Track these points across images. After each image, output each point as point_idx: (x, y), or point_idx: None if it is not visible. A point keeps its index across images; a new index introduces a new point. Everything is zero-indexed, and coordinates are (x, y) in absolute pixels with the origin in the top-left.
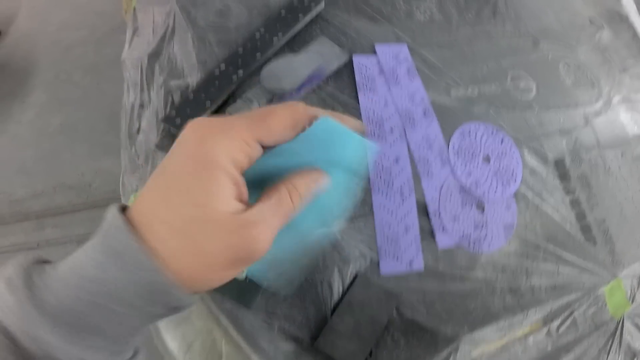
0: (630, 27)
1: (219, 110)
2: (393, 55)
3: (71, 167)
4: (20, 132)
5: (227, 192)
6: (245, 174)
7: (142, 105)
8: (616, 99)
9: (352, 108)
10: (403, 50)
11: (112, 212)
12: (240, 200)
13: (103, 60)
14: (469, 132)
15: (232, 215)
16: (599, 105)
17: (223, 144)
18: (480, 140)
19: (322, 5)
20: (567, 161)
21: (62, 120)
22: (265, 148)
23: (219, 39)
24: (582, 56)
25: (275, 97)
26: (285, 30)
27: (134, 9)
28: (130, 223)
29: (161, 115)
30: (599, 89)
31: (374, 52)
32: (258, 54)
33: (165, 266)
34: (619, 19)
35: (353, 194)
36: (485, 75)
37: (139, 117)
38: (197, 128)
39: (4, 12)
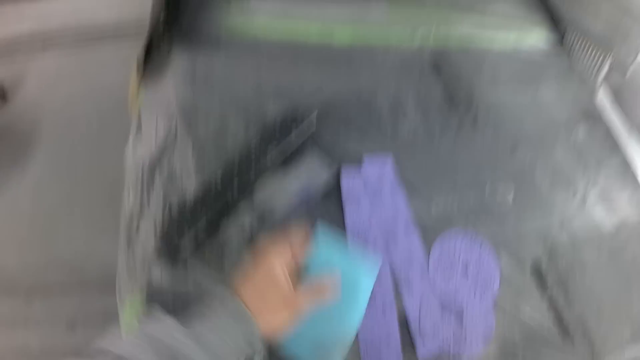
0: (604, 124)
1: (214, 225)
2: (378, 169)
3: (66, 243)
4: (17, 200)
5: (284, 281)
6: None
7: (141, 212)
8: (591, 196)
9: (338, 223)
10: (388, 164)
11: (225, 290)
12: (287, 280)
13: (107, 137)
14: (448, 242)
15: (289, 295)
16: (574, 205)
17: (280, 261)
18: (460, 249)
19: (313, 123)
20: (544, 265)
21: (61, 194)
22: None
23: (217, 150)
24: (559, 157)
25: (267, 214)
26: (278, 144)
27: (139, 110)
28: (237, 296)
29: (159, 224)
30: (575, 189)
31: (361, 165)
32: (252, 170)
33: (257, 320)
34: (593, 118)
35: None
36: (465, 185)
37: (138, 222)
38: (269, 255)
39: (12, 77)
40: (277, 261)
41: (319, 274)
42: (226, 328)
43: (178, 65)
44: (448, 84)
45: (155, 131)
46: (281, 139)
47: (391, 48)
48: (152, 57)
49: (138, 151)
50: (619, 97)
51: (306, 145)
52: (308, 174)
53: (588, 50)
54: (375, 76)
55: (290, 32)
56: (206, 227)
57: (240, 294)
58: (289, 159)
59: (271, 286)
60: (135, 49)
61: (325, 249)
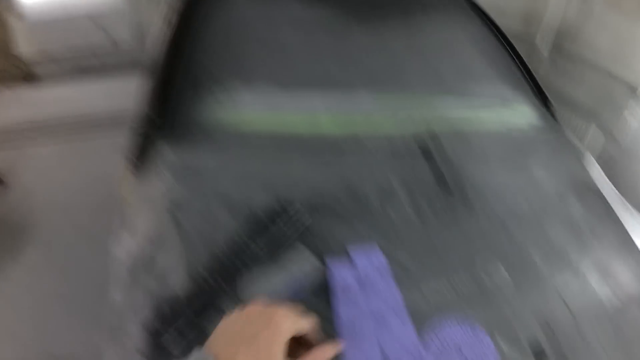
0: (599, 194)
1: (201, 320)
2: (367, 258)
3: (60, 336)
4: (11, 291)
5: (282, 352)
6: None
7: (127, 309)
8: (591, 271)
9: (328, 317)
10: (376, 253)
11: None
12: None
13: (99, 228)
14: (441, 328)
15: None
16: (574, 283)
17: (284, 325)
18: (454, 335)
19: (302, 216)
20: (544, 344)
21: (55, 285)
22: None
23: (205, 247)
24: (554, 235)
25: None
26: (265, 238)
27: (128, 204)
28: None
29: (146, 323)
30: (573, 266)
31: (349, 257)
32: (239, 264)
33: None
34: (587, 189)
35: None
36: (457, 266)
37: (125, 321)
38: (260, 306)
39: (13, 167)
40: (286, 328)
41: None
42: None
43: (166, 159)
44: (438, 168)
45: (143, 226)
46: (268, 234)
47: (379, 135)
48: (141, 150)
49: (125, 247)
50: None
51: (294, 239)
52: (296, 269)
53: (575, 122)
54: (364, 164)
55: (277, 123)
56: (193, 324)
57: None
58: (276, 253)
59: (273, 355)
60: (128, 141)
61: None
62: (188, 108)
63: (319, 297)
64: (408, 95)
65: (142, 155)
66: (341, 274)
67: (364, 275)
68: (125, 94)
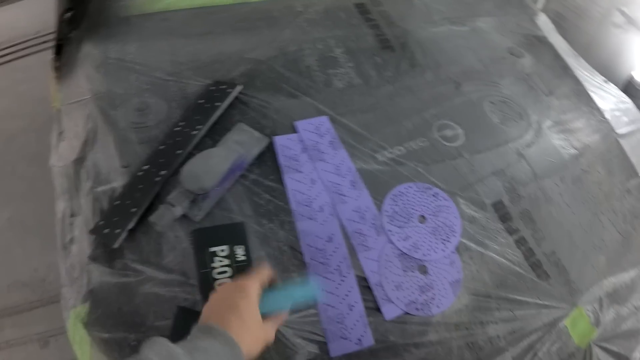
0: (550, 48)
1: (145, 215)
2: (314, 129)
3: (24, 263)
4: None
5: (258, 313)
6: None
7: (72, 214)
8: (546, 124)
9: (278, 192)
10: (324, 123)
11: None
12: None
13: (46, 149)
14: (400, 194)
15: (261, 322)
16: (529, 135)
17: (253, 289)
18: (413, 201)
19: (238, 87)
20: (506, 201)
21: (10, 215)
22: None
23: (140, 138)
24: (506, 90)
25: (198, 197)
26: (204, 120)
27: (59, 111)
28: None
29: (91, 224)
30: (528, 119)
31: (295, 129)
32: (179, 151)
33: (240, 345)
34: (538, 43)
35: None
36: (411, 132)
37: (71, 226)
38: (249, 291)
39: None
40: (255, 294)
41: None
42: (220, 354)
43: (89, 56)
44: (379, 26)
45: (76, 130)
46: (206, 114)
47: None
48: (64, 54)
49: (62, 154)
50: (561, 23)
51: (235, 117)
52: (239, 146)
53: None
54: (299, 29)
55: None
56: (136, 216)
57: (225, 323)
58: (218, 133)
59: (252, 316)
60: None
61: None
62: (108, 2)
63: (265, 170)
64: None
65: (64, 58)
66: (288, 147)
67: (313, 146)
68: (47, 12)
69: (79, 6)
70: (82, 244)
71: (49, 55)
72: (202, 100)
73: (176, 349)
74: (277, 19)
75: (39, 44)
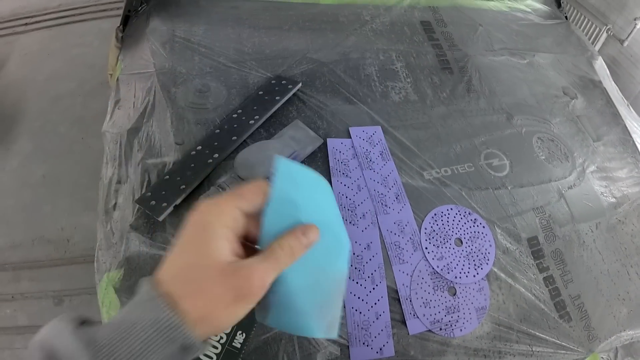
0: (603, 93)
1: (193, 193)
2: (367, 137)
3: (51, 220)
4: (2, 179)
5: (223, 246)
6: (263, 237)
7: (119, 181)
8: (590, 169)
9: None
10: (377, 133)
11: (144, 279)
12: (236, 255)
13: (90, 114)
14: (441, 215)
15: (229, 263)
16: (572, 177)
17: (215, 213)
18: (453, 223)
19: (299, 85)
20: (541, 238)
21: (46, 172)
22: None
23: (197, 119)
24: (556, 128)
25: (248, 181)
26: (262, 111)
27: (117, 79)
28: (155, 280)
29: (137, 194)
30: (573, 161)
31: (349, 134)
32: (234, 137)
33: (178, 306)
34: (592, 86)
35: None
36: (459, 155)
37: (116, 192)
38: (199, 210)
39: None
40: (217, 224)
41: (283, 221)
42: (133, 332)
43: (156, 32)
44: (440, 47)
45: (134, 102)
46: (265, 106)
47: (380, 7)
48: (130, 26)
49: (116, 126)
50: (616, 68)
51: (292, 114)
52: (293, 142)
53: (585, 22)
54: (364, 37)
55: None
56: (184, 192)
57: (163, 279)
58: (274, 128)
59: (207, 262)
60: (115, 25)
61: (288, 186)
62: None
63: (315, 169)
64: None
65: (130, 32)
66: (340, 151)
67: (363, 154)
68: None
69: None
70: (125, 212)
71: (106, 23)
72: (262, 92)
73: (71, 338)
74: (343, 25)
75: (97, 11)
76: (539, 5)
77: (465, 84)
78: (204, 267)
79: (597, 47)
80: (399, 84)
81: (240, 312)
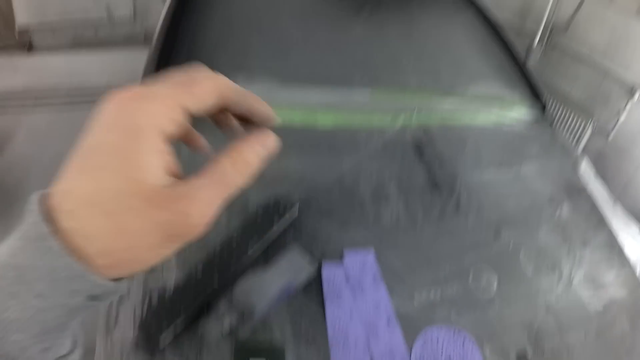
0: (589, 198)
1: (193, 318)
2: (360, 262)
3: None
4: None
5: (155, 163)
6: None
7: (120, 299)
8: (577, 277)
9: (319, 317)
10: (370, 257)
11: (31, 197)
12: (171, 173)
13: None
14: (431, 338)
15: (161, 188)
16: (560, 289)
17: (148, 111)
18: (442, 345)
19: (295, 213)
20: (530, 353)
21: None
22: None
23: (197, 243)
24: (543, 239)
25: (246, 312)
26: (260, 236)
27: None
28: (49, 206)
29: (138, 313)
30: (560, 271)
31: (342, 257)
32: (233, 264)
33: (83, 249)
34: (577, 192)
35: None
36: (448, 276)
37: (117, 310)
38: (118, 97)
39: (3, 132)
40: (150, 131)
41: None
42: (17, 281)
43: None
44: (431, 166)
45: None
46: (263, 232)
47: (374, 130)
48: None
49: None
50: (602, 162)
51: (288, 238)
52: (290, 271)
53: (570, 118)
54: (358, 161)
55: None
56: (185, 320)
57: (62, 207)
58: (270, 253)
59: (130, 187)
60: None
61: None
62: None
63: (309, 296)
64: (404, 93)
65: None
66: (333, 278)
67: (356, 280)
68: (119, 68)
69: None
70: (126, 330)
71: None
72: (261, 216)
73: None
74: (339, 149)
75: None
76: (524, 115)
77: (454, 203)
78: (126, 195)
79: (583, 142)
80: (391, 207)
81: (168, 252)
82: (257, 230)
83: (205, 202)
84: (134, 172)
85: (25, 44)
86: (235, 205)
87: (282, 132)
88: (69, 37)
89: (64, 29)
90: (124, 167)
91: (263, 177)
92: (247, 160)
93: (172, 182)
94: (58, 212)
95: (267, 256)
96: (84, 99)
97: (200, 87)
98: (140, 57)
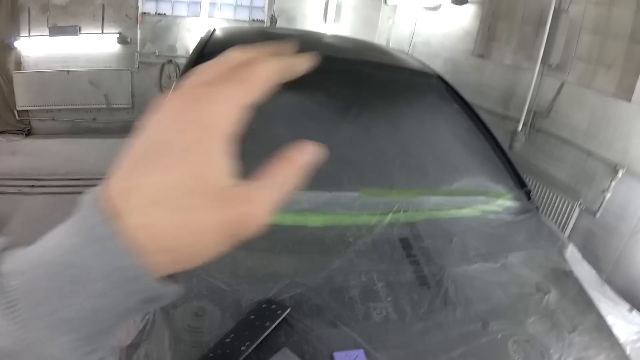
0: (576, 282)
1: None
2: None
3: None
4: None
5: (222, 164)
6: None
7: None
8: None
9: None
10: (359, 357)
11: (86, 196)
12: (232, 174)
13: None
14: None
15: (228, 188)
16: None
17: (214, 113)
18: None
19: (288, 310)
20: None
21: None
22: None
23: (193, 341)
24: (531, 328)
25: None
26: (253, 337)
27: None
28: (109, 203)
29: None
30: (549, 358)
31: None
32: None
33: (145, 246)
34: (565, 277)
35: None
36: None
37: None
38: (182, 96)
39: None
40: (220, 131)
41: None
42: (74, 281)
43: None
44: (418, 262)
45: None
46: (256, 335)
47: (362, 228)
48: None
49: (115, 340)
50: (591, 240)
51: (279, 339)
52: None
53: (557, 199)
54: (348, 262)
55: None
56: None
57: (128, 205)
58: (263, 351)
59: (203, 186)
60: None
61: None
62: None
63: None
64: (390, 190)
65: None
66: None
67: None
68: (115, 156)
69: None
70: None
71: None
72: (253, 317)
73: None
74: (328, 247)
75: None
76: (509, 203)
77: (442, 297)
78: (196, 194)
79: (571, 222)
80: (379, 304)
81: (224, 249)
82: (250, 330)
83: (264, 204)
84: (204, 171)
85: (24, 128)
86: (229, 306)
87: (276, 230)
88: (68, 124)
89: (62, 116)
90: (195, 166)
91: (255, 276)
92: (297, 165)
93: (235, 183)
94: (122, 210)
95: (260, 355)
96: (81, 183)
97: (256, 78)
98: None
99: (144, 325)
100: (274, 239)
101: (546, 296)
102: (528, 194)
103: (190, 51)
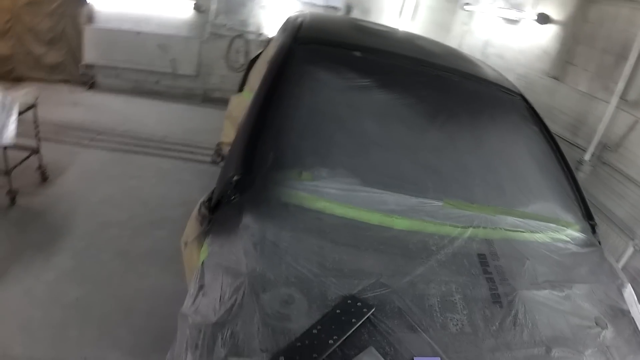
0: (631, 322)
1: None
2: None
3: (75, 346)
4: (35, 289)
5: None
6: None
7: None
8: None
9: None
10: None
11: None
12: None
13: (135, 251)
14: None
15: None
16: None
17: None
18: None
19: (373, 309)
20: None
21: (80, 295)
22: None
23: (281, 328)
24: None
25: None
26: (339, 332)
27: (203, 264)
28: None
29: None
30: None
31: None
32: (315, 355)
33: None
34: (621, 315)
35: None
36: None
37: None
38: None
39: (58, 162)
40: None
41: None
42: None
43: (249, 230)
44: (493, 280)
45: (221, 295)
46: (342, 330)
47: (444, 241)
48: (221, 212)
49: (200, 309)
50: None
51: (364, 336)
52: None
53: (610, 236)
54: (430, 269)
55: (354, 216)
56: None
57: None
58: (347, 347)
59: None
60: (179, 166)
61: None
62: (274, 184)
63: None
64: (471, 204)
65: (221, 216)
66: None
67: None
68: (175, 120)
69: (249, 174)
70: None
71: (166, 163)
72: (339, 311)
73: None
74: (412, 252)
75: (160, 149)
76: (576, 234)
77: (512, 318)
78: None
79: (624, 260)
80: (456, 316)
81: None
82: (336, 324)
83: None
84: None
85: (88, 82)
86: (316, 297)
87: (362, 227)
88: (131, 83)
89: (127, 74)
90: None
91: (341, 270)
92: None
93: None
94: None
95: (345, 351)
96: (138, 142)
97: None
98: (196, 114)
99: (231, 305)
100: (360, 236)
101: (603, 332)
102: (593, 228)
103: (263, 29)
